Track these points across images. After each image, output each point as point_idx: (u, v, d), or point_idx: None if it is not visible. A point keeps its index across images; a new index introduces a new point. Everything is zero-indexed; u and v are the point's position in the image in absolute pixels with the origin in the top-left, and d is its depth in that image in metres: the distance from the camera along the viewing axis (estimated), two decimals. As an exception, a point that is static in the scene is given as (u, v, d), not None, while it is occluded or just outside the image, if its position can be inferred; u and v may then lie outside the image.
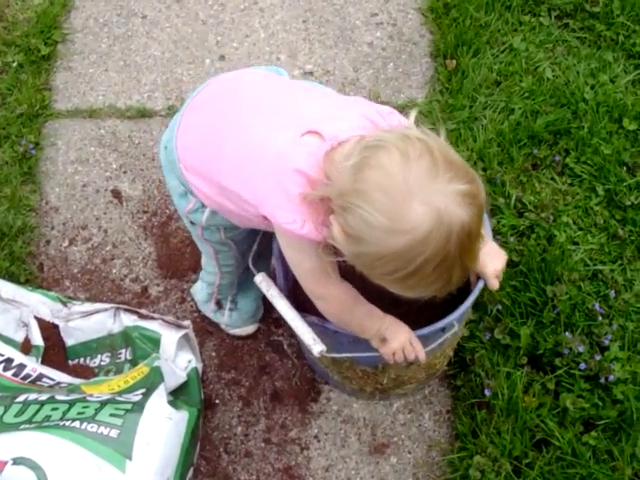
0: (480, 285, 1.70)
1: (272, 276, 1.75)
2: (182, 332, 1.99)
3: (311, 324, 1.66)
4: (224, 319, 2.13)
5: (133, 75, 2.72)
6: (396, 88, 2.65)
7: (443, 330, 1.70)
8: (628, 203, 2.29)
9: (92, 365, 2.05)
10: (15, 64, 2.70)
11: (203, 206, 1.69)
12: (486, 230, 1.74)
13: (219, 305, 2.11)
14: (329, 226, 1.40)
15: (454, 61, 2.64)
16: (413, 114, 1.42)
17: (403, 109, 2.56)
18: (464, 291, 1.71)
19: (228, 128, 1.57)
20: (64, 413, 1.72)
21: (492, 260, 1.70)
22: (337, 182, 1.36)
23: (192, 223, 1.78)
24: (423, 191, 1.28)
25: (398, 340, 1.64)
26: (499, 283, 1.71)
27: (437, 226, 1.28)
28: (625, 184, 2.33)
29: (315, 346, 1.63)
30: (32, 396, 1.78)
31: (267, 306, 2.09)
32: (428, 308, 1.73)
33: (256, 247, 1.86)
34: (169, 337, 1.97)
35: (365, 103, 1.58)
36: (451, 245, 1.30)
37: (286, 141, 1.45)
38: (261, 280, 1.72)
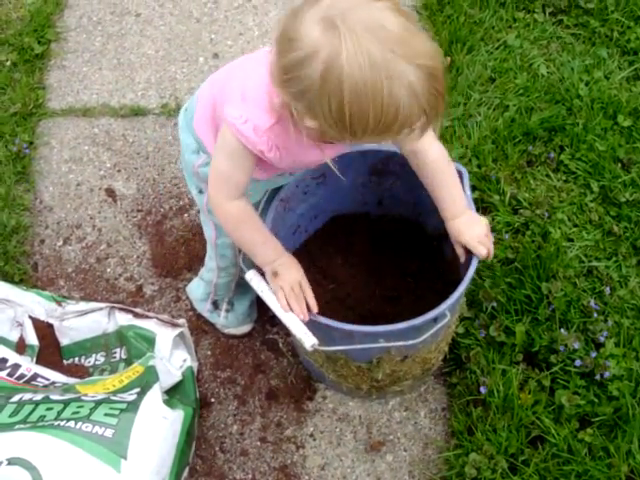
0: (470, 274, 1.70)
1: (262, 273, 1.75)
2: (177, 331, 1.99)
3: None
4: (220, 320, 2.13)
5: (127, 73, 2.71)
6: (390, 85, 2.64)
7: (435, 320, 1.70)
8: (623, 199, 2.29)
9: (87, 364, 2.04)
10: (9, 63, 2.70)
11: None
12: (468, 201, 1.77)
13: (215, 305, 2.11)
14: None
15: (448, 58, 2.63)
16: None
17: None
18: (456, 283, 1.71)
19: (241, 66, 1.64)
20: (59, 413, 1.71)
21: (468, 228, 1.72)
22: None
23: (200, 192, 1.81)
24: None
25: (288, 275, 1.67)
26: (487, 250, 1.72)
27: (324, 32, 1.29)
28: (620, 180, 2.33)
29: (307, 340, 1.63)
30: (27, 396, 1.78)
31: (262, 305, 2.09)
32: (424, 302, 1.73)
33: None
34: (164, 336, 1.97)
35: None
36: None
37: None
38: (252, 277, 1.72)
